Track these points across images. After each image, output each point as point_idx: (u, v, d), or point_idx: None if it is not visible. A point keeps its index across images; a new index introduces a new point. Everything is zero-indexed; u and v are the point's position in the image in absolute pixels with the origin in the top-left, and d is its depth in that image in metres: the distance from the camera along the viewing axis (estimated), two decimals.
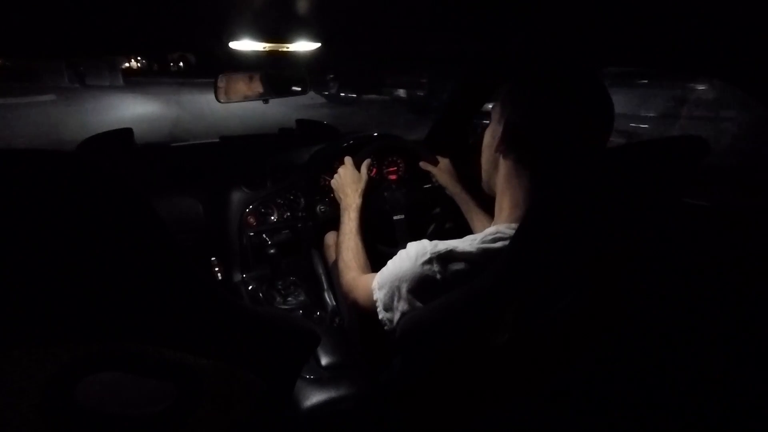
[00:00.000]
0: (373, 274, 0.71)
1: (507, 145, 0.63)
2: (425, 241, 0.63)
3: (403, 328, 0.61)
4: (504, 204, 0.66)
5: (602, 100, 0.60)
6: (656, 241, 0.63)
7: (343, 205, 1.02)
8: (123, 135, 1.38)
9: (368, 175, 1.09)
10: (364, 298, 0.71)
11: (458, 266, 0.59)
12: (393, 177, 1.39)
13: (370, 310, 0.68)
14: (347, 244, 0.89)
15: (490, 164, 0.69)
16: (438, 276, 0.59)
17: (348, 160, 1.12)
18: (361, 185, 1.05)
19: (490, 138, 0.69)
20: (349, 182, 1.06)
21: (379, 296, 0.67)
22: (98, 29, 0.73)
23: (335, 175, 1.11)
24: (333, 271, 1.23)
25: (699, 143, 0.54)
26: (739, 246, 0.94)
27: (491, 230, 0.63)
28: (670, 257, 0.78)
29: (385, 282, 0.66)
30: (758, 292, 0.87)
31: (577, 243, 0.53)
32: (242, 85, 1.40)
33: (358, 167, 1.11)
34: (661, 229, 0.64)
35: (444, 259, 0.59)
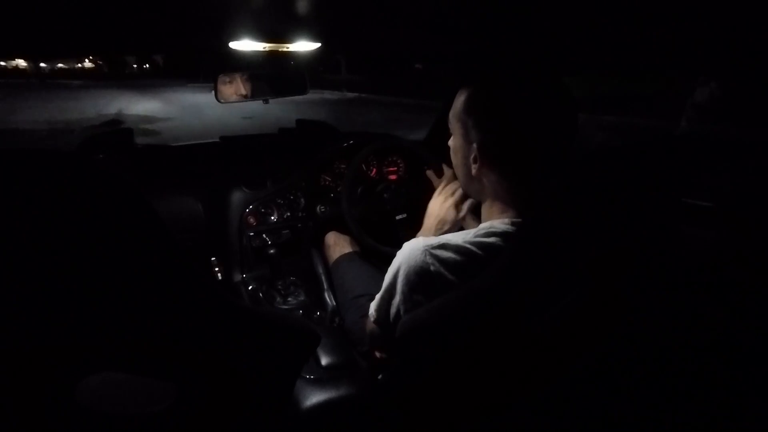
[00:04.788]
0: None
1: (487, 166, 0.63)
2: (420, 238, 0.64)
3: (403, 328, 0.61)
4: (495, 207, 0.65)
5: (564, 97, 0.60)
6: (656, 240, 0.63)
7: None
8: (123, 135, 1.39)
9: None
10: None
11: (452, 258, 0.59)
12: (393, 177, 1.39)
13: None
14: None
15: (469, 179, 0.67)
16: (432, 268, 0.59)
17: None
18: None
19: (461, 158, 0.67)
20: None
21: (372, 308, 0.68)
22: (96, 29, 0.72)
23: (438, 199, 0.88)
24: (333, 271, 1.24)
25: (699, 142, 0.54)
26: (740, 246, 0.94)
27: (485, 225, 0.63)
28: (671, 257, 0.78)
29: (383, 289, 0.66)
30: (759, 292, 0.87)
31: (577, 242, 0.53)
32: (242, 86, 1.39)
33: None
34: (662, 229, 0.64)
35: (437, 250, 0.60)
